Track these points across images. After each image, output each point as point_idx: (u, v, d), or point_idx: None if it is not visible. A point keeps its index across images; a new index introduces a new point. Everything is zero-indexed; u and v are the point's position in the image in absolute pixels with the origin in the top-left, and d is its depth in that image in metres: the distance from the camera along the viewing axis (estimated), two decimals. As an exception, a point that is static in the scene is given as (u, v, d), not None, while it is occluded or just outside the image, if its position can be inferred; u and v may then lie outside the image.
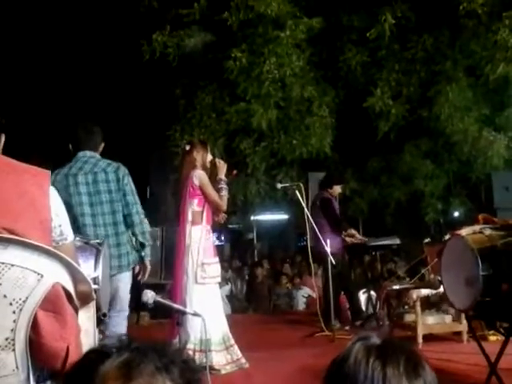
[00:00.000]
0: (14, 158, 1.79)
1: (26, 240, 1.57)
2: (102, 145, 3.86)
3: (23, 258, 1.55)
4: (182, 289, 4.36)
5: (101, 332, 2.87)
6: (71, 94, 10.65)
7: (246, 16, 7.57)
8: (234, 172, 4.79)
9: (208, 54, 8.28)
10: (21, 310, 1.52)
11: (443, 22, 8.08)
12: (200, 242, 4.40)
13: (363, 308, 6.81)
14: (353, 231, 6.46)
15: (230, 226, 15.13)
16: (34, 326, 1.54)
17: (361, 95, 8.22)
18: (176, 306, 3.18)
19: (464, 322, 4.90)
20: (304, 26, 7.73)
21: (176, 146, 8.08)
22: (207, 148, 4.69)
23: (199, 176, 4.45)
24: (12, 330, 1.52)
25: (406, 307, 5.55)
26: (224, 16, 7.60)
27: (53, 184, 3.17)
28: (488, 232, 3.38)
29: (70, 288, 1.68)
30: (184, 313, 3.16)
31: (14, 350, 1.53)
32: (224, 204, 4.51)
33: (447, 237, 3.94)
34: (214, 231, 4.98)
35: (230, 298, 9.33)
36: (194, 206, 4.46)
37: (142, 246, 3.81)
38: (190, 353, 3.95)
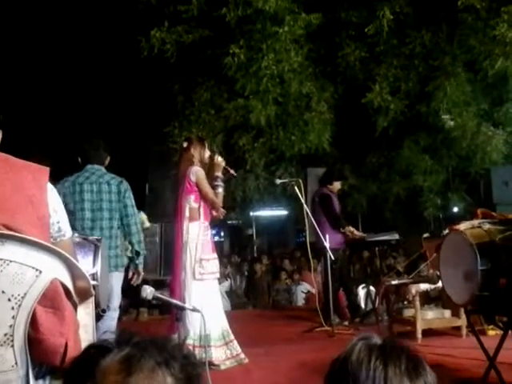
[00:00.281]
0: (13, 154, 1.78)
1: (25, 236, 1.57)
2: (108, 159, 4.25)
3: (21, 254, 1.55)
4: (181, 285, 4.38)
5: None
6: (70, 91, 10.63)
7: (244, 12, 7.54)
8: (231, 171, 4.81)
9: (206, 50, 8.26)
10: (19, 305, 1.52)
11: (441, 17, 8.06)
12: (198, 238, 4.41)
13: (362, 304, 6.83)
14: (351, 228, 6.46)
15: (230, 222, 15.13)
16: (33, 321, 1.54)
17: (359, 91, 8.21)
18: (175, 301, 3.19)
19: (463, 316, 4.91)
20: (302, 21, 7.70)
21: (175, 143, 8.07)
22: (205, 144, 4.70)
23: (196, 172, 4.46)
24: (11, 326, 1.52)
25: (405, 302, 5.56)
26: (222, 12, 7.57)
27: (61, 189, 3.35)
28: (487, 227, 3.39)
29: (69, 284, 1.68)
30: (183, 308, 3.16)
31: (12, 345, 1.53)
32: (219, 201, 4.52)
33: (446, 232, 3.94)
34: (213, 227, 4.98)
35: (230, 293, 9.34)
36: (191, 202, 4.47)
37: (138, 254, 4.13)
38: (190, 348, 3.96)
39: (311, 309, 6.90)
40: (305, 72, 8.26)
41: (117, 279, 4.09)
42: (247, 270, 10.39)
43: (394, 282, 5.72)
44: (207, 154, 4.65)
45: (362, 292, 7.06)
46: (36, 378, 1.59)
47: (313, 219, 6.02)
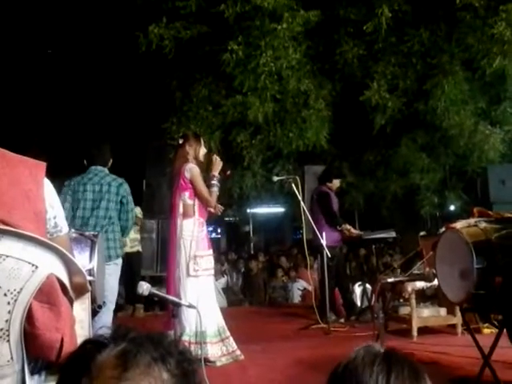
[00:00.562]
0: (9, 149, 1.77)
1: (21, 231, 1.57)
2: (111, 160, 4.57)
3: (18, 249, 1.54)
4: (176, 281, 4.39)
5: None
6: (68, 87, 10.60)
7: (242, 8, 7.53)
8: (228, 172, 4.81)
9: (204, 46, 8.24)
10: (15, 300, 1.52)
11: (440, 15, 8.07)
12: (192, 234, 4.41)
13: (358, 301, 6.84)
14: (348, 226, 6.46)
15: (226, 219, 15.15)
16: (29, 317, 1.54)
17: (357, 88, 8.21)
18: (171, 298, 3.19)
19: (458, 314, 4.92)
20: (301, 18, 7.69)
21: (172, 139, 8.05)
22: (201, 141, 4.70)
23: (191, 169, 4.47)
24: (7, 321, 1.52)
25: (401, 300, 5.57)
26: (220, 8, 7.56)
27: (66, 188, 4.01)
28: (483, 225, 3.39)
29: (65, 279, 1.68)
30: (179, 305, 3.17)
31: (8, 340, 1.53)
32: (213, 200, 4.52)
33: (442, 230, 3.95)
34: (210, 224, 4.99)
35: (226, 290, 9.35)
36: (186, 198, 4.48)
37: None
38: (186, 345, 3.96)
39: (307, 306, 6.92)
40: (303, 69, 8.26)
41: (113, 272, 4.20)
42: (244, 267, 10.39)
43: (390, 280, 5.72)
44: (203, 151, 4.65)
45: (358, 290, 7.07)
46: (32, 373, 1.59)
47: (310, 217, 6.03)
